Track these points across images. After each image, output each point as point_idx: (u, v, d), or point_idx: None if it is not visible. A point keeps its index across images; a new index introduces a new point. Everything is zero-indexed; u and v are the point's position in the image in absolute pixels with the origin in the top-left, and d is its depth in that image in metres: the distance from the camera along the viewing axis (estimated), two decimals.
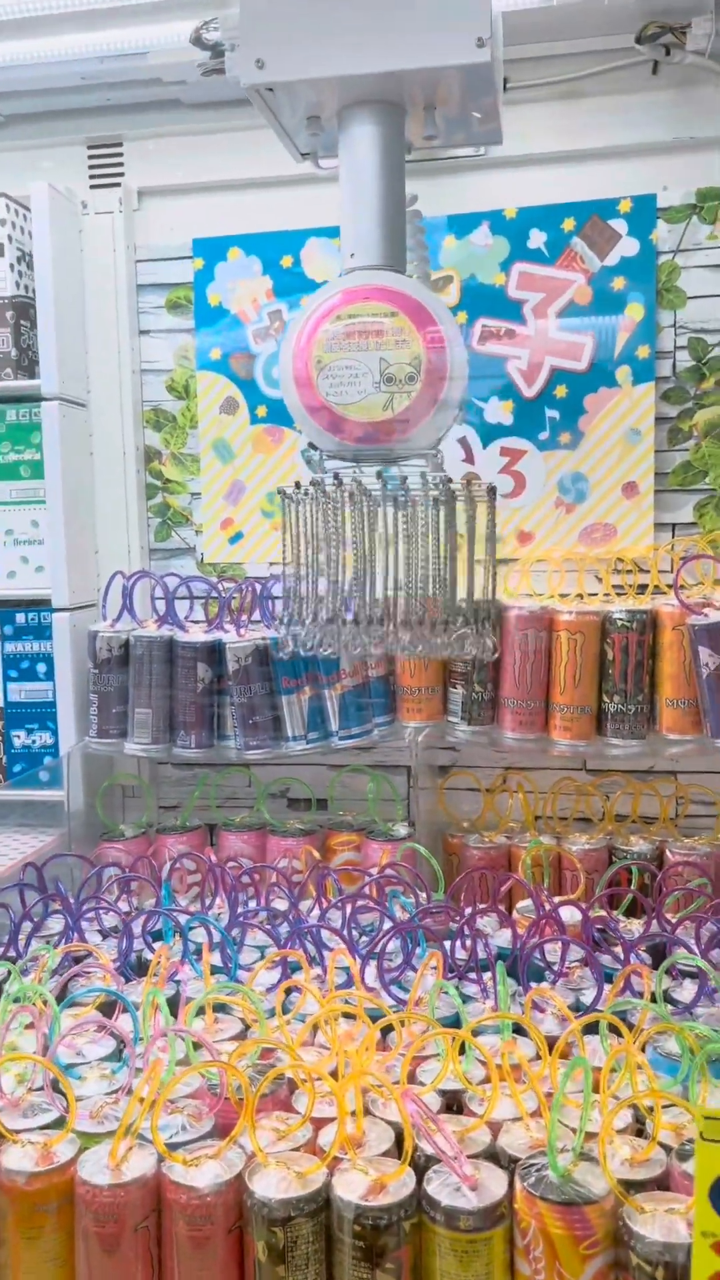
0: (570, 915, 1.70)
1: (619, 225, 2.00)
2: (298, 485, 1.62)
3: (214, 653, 2.04)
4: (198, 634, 2.06)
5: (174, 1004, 1.51)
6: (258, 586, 2.14)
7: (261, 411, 2.21)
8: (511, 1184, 1.11)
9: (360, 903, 1.78)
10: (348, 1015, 1.43)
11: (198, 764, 2.17)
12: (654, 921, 1.69)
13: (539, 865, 1.91)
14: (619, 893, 1.84)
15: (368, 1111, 1.25)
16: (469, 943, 1.62)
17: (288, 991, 1.50)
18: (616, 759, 2.01)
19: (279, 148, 1.74)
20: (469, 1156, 1.15)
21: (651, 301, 2.01)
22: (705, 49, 1.90)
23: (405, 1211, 1.09)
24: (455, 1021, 1.42)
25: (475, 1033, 1.34)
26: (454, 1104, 1.30)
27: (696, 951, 1.59)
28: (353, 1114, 1.20)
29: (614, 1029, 1.33)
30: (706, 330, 2.01)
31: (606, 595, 2.05)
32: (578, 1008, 1.49)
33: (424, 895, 1.81)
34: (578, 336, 2.04)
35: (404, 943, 1.60)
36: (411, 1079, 1.32)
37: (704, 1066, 1.23)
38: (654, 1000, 1.41)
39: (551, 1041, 1.37)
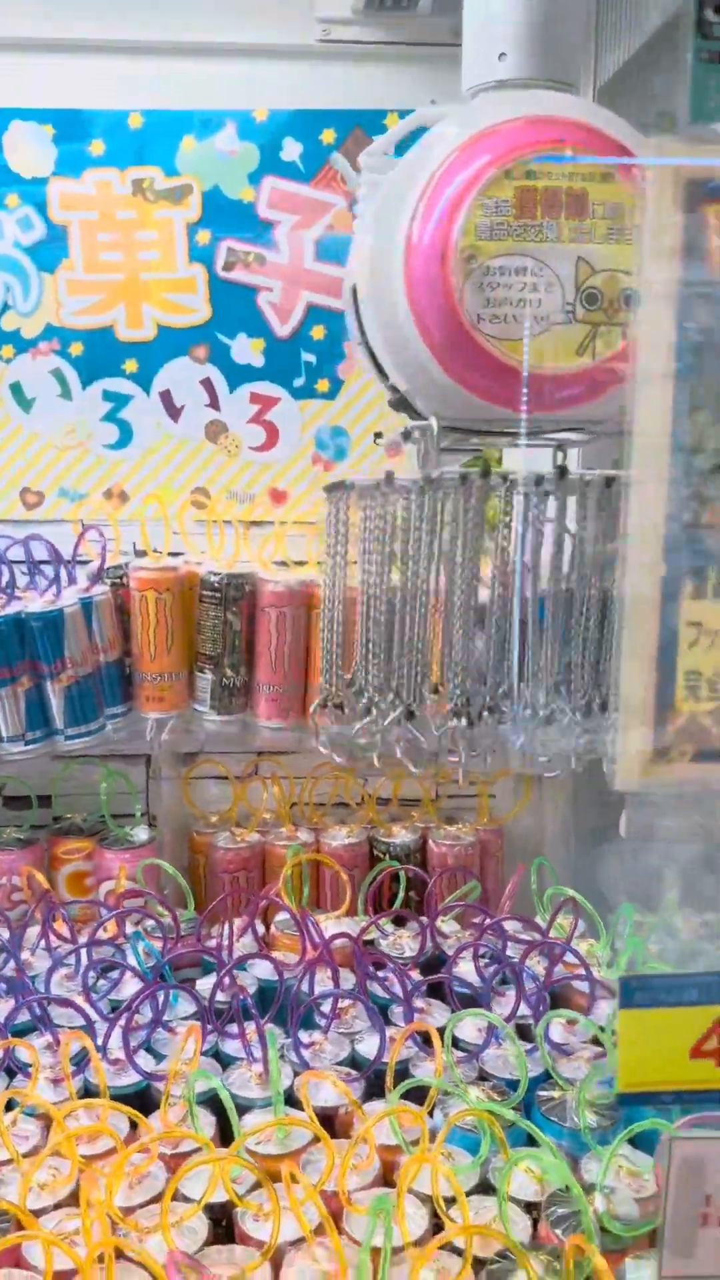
0: (339, 929, 1.53)
1: None
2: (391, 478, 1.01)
3: None
4: None
5: None
6: None
7: None
8: None
9: (102, 936, 1.53)
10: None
11: None
12: (427, 936, 1.56)
13: (298, 869, 1.72)
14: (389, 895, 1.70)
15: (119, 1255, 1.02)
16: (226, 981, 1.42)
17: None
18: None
19: None
20: None
21: None
22: None
23: None
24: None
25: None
26: (224, 1219, 1.10)
27: (476, 974, 1.46)
28: None
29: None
30: None
31: None
32: (355, 1063, 1.32)
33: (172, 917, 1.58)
34: (337, 270, 1.78)
35: (153, 999, 1.36)
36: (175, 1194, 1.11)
37: (504, 1146, 1.10)
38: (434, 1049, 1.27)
39: (329, 1118, 1.20)
